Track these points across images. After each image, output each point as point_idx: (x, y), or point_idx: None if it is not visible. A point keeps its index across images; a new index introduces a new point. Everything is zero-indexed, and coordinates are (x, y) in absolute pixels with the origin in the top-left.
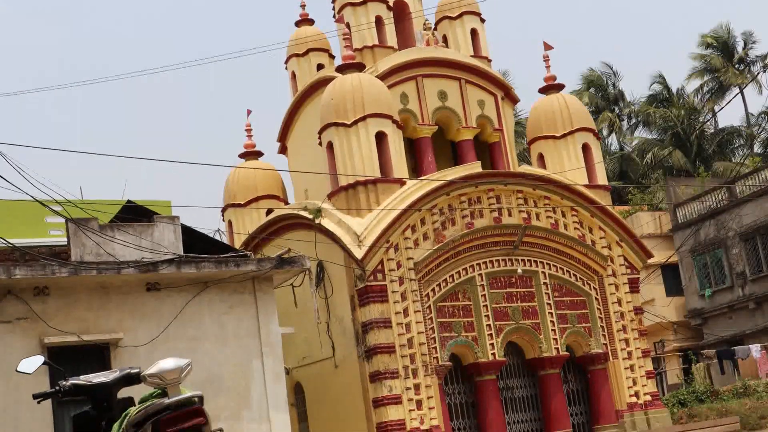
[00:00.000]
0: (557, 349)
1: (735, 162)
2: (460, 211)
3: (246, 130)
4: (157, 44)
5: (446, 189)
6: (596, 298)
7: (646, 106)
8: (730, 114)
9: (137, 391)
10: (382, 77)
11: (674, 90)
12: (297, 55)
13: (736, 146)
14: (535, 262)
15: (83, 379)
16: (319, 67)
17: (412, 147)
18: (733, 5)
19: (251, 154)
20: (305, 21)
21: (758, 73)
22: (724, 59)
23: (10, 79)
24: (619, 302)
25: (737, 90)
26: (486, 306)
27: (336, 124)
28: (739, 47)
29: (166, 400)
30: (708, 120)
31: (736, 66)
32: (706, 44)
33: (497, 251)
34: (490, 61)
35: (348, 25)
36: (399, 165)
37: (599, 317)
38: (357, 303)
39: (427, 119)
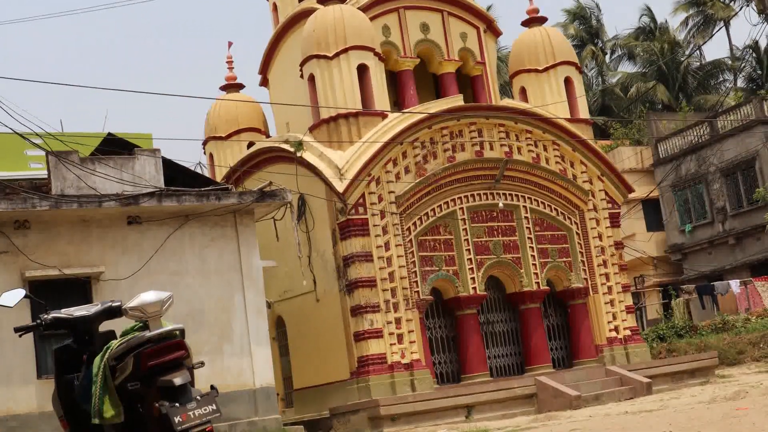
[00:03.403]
0: (538, 283)
1: (719, 96)
2: (441, 145)
3: (227, 62)
4: None
5: (428, 122)
6: (577, 233)
7: (629, 40)
8: (717, 48)
9: (119, 325)
10: (364, 9)
11: (660, 23)
12: None
13: (720, 81)
14: (517, 196)
15: (64, 313)
16: None
17: (394, 80)
18: None
19: (232, 86)
20: None
21: (742, 7)
22: None
23: None
24: (600, 237)
25: (720, 23)
26: (467, 240)
27: (317, 57)
28: None
29: (148, 333)
30: (691, 54)
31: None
32: None
33: (478, 185)
34: None
35: None
36: (381, 98)
37: (580, 252)
38: (338, 237)
39: (409, 52)
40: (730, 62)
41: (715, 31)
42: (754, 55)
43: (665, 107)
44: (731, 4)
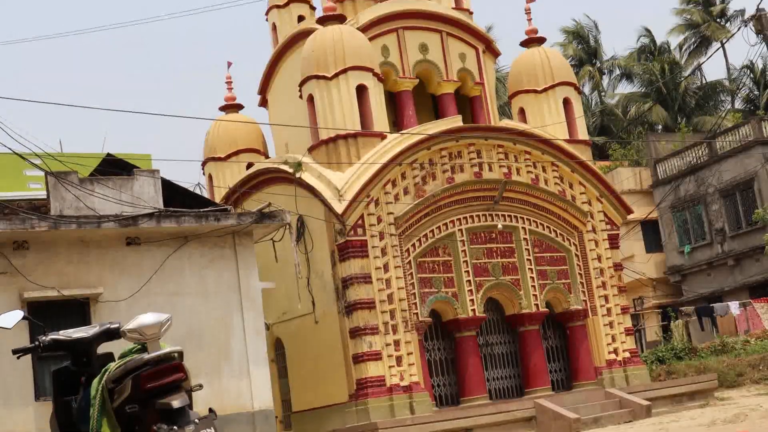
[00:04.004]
0: (537, 305)
1: (716, 116)
2: (440, 166)
3: (226, 82)
4: None
5: (427, 143)
6: (576, 254)
7: (627, 60)
8: (715, 68)
9: (117, 346)
10: (363, 29)
11: (666, 42)
12: (278, 7)
13: (719, 101)
14: (516, 217)
15: (63, 334)
16: (300, 18)
17: (393, 100)
18: None
19: (232, 107)
20: None
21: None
22: (705, 14)
23: None
24: (599, 258)
25: (719, 45)
26: (466, 261)
27: (316, 77)
28: (719, 1)
29: (146, 356)
30: (690, 74)
31: (718, 20)
32: (687, 0)
33: (477, 206)
34: (471, 13)
35: None
36: (380, 118)
37: (579, 273)
38: (337, 258)
39: (408, 72)
40: (727, 83)
41: (712, 52)
42: (751, 75)
43: (665, 128)
44: (726, 24)
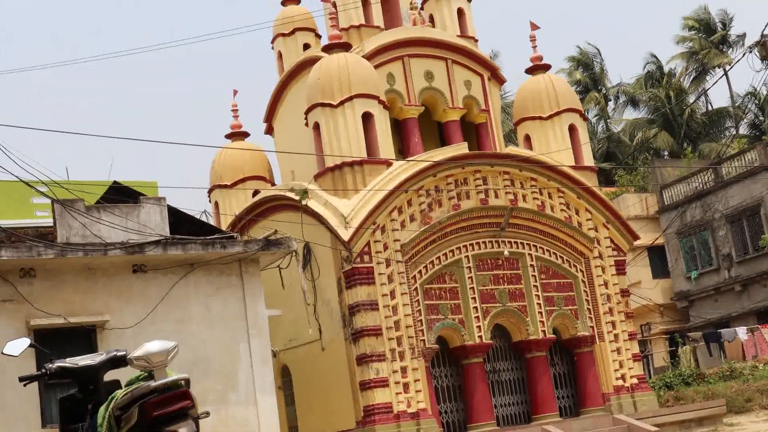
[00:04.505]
0: (544, 331)
1: (721, 143)
2: (446, 193)
3: (232, 110)
4: (143, 24)
5: (433, 170)
6: (583, 281)
7: (633, 87)
8: (718, 95)
9: (124, 374)
10: (369, 57)
11: (666, 70)
12: (283, 35)
13: (725, 127)
14: (522, 243)
15: (69, 362)
16: (306, 46)
17: (399, 128)
18: None
19: (238, 134)
20: (292, 0)
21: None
22: (707, 41)
23: None
24: (606, 284)
25: (721, 71)
26: (473, 288)
27: (322, 105)
28: (719, 28)
29: (153, 383)
30: (694, 102)
31: (720, 47)
32: (689, 27)
33: (484, 233)
34: (476, 41)
35: (334, 5)
36: (385, 146)
37: (586, 300)
38: (344, 285)
39: (414, 100)
40: (731, 109)
41: (714, 78)
42: (756, 101)
43: (670, 154)
44: (729, 51)
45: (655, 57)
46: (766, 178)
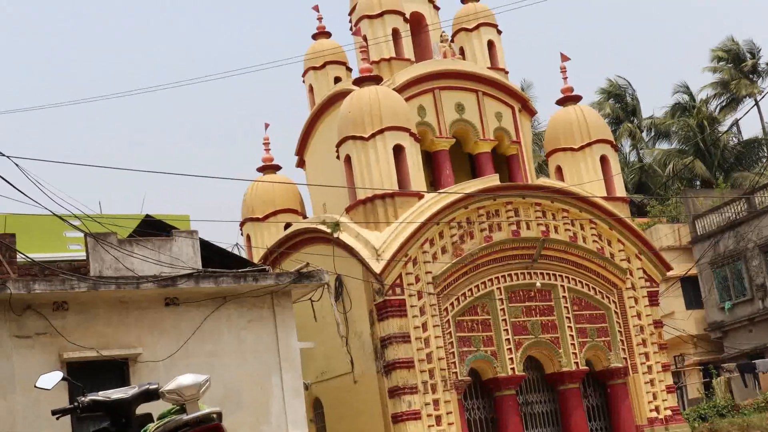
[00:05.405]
0: (577, 363)
1: (754, 172)
2: (478, 225)
3: (264, 143)
4: (176, 58)
5: (464, 202)
6: (615, 312)
7: (665, 119)
8: (750, 124)
9: (156, 408)
10: (400, 90)
11: (697, 100)
12: (314, 68)
13: (758, 157)
14: (554, 275)
15: (102, 395)
16: (337, 80)
17: (430, 160)
18: (742, 16)
19: (269, 167)
20: (322, 34)
21: None
22: (736, 71)
23: (28, 92)
24: (639, 316)
25: (752, 101)
26: (505, 320)
27: (353, 138)
28: (748, 58)
29: (185, 417)
30: (726, 131)
31: (750, 76)
32: (717, 58)
33: (516, 265)
34: (507, 72)
35: (365, 38)
36: (417, 178)
37: (619, 331)
38: (376, 317)
39: (445, 132)
40: (764, 139)
41: (745, 107)
42: None
43: (704, 182)
44: (758, 81)
45: (686, 86)
46: None
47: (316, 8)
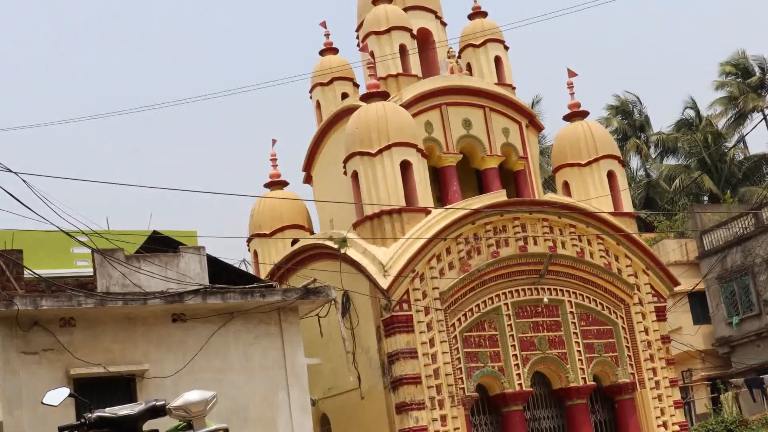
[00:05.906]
0: (584, 378)
1: (762, 187)
2: (485, 240)
3: (271, 159)
4: (182, 74)
5: (471, 218)
6: (623, 327)
7: (672, 134)
8: (758, 139)
9: (163, 424)
10: (407, 106)
11: (704, 115)
12: (321, 84)
13: (765, 172)
14: (561, 291)
15: (109, 412)
16: (344, 96)
17: (437, 176)
18: (755, 33)
19: (276, 183)
20: (329, 50)
21: None
22: (745, 85)
23: (36, 107)
24: (646, 331)
25: (760, 115)
26: (512, 336)
27: (361, 154)
28: (757, 72)
29: None
30: (734, 146)
31: (758, 91)
32: (726, 72)
33: (523, 280)
34: (514, 88)
35: (372, 54)
36: (424, 194)
37: (626, 346)
38: (383, 333)
39: (452, 148)
40: None
41: (751, 122)
42: None
43: (711, 197)
44: (766, 96)
45: (693, 102)
46: None
47: (323, 24)
